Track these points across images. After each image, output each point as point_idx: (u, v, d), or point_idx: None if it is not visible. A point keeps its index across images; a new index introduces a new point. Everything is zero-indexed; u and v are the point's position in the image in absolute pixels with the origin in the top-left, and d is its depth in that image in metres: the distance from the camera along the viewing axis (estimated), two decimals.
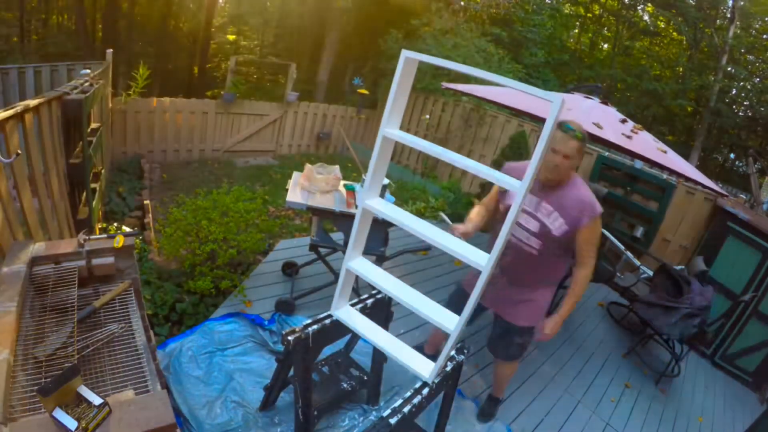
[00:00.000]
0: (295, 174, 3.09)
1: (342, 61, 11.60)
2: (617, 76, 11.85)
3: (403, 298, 1.39)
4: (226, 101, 6.37)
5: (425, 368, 1.43)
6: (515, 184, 1.12)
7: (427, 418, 2.24)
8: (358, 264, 1.50)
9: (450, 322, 1.30)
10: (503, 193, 2.06)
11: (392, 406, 1.47)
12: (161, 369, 2.08)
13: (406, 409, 1.48)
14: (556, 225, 1.88)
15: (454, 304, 2.09)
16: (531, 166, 1.08)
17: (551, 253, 1.96)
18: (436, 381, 1.51)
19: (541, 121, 3.86)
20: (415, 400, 1.53)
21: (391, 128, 1.29)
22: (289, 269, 3.31)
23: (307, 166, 3.05)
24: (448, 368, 1.61)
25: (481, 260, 1.21)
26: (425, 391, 1.54)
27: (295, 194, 2.81)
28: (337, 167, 3.13)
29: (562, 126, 1.77)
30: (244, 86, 6.64)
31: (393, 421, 1.43)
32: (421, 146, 1.27)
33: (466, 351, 1.81)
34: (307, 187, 2.90)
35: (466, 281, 2.31)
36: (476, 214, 2.11)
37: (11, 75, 4.38)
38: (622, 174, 5.08)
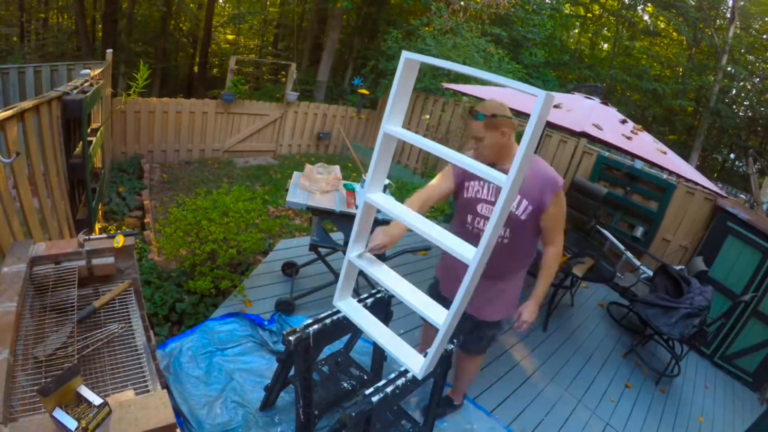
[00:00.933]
0: (296, 174, 3.09)
1: (342, 61, 11.62)
2: (617, 76, 11.85)
3: (399, 291, 1.40)
4: (226, 101, 6.38)
5: (417, 363, 1.45)
6: (501, 178, 1.12)
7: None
8: (359, 257, 1.51)
9: (440, 316, 1.31)
10: (461, 182, 1.89)
11: (376, 386, 1.50)
12: (161, 369, 2.08)
13: (389, 390, 1.51)
14: (521, 208, 1.78)
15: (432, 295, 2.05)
16: (515, 161, 1.07)
17: (521, 238, 1.86)
18: None
19: None
20: (399, 382, 1.56)
21: (392, 126, 1.30)
22: (289, 269, 3.31)
23: (307, 166, 3.05)
24: None
25: (468, 254, 1.20)
26: (410, 374, 1.57)
27: (295, 194, 2.81)
28: (337, 167, 3.14)
29: (468, 112, 1.73)
30: (244, 86, 6.64)
31: (375, 399, 1.45)
32: (419, 142, 1.28)
33: (456, 341, 1.83)
34: (307, 187, 2.90)
35: (437, 267, 2.25)
36: (414, 202, 1.85)
37: (11, 75, 4.38)
38: (622, 174, 5.09)
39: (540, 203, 1.74)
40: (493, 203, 1.80)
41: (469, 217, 1.90)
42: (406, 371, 1.58)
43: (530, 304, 1.88)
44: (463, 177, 1.88)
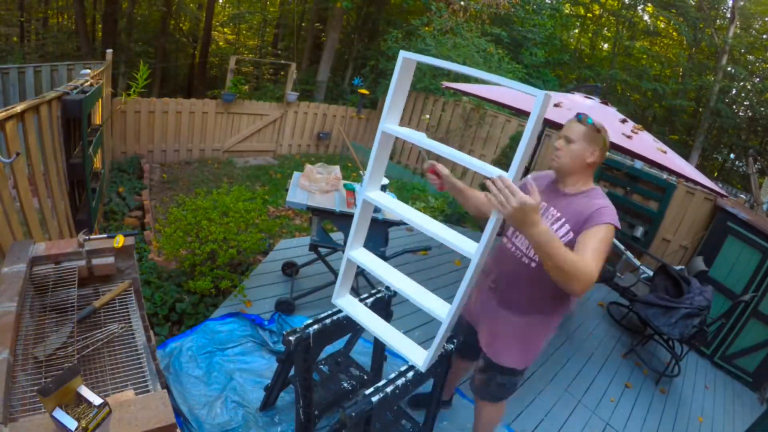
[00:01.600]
0: (296, 174, 3.09)
1: (342, 61, 11.62)
2: (617, 76, 11.85)
3: (399, 286, 1.41)
4: (226, 101, 6.38)
5: (419, 357, 1.45)
6: (493, 172, 1.12)
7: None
8: (358, 254, 1.51)
9: (442, 310, 1.32)
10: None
11: (376, 385, 1.50)
12: (161, 369, 2.08)
13: (389, 389, 1.50)
14: (561, 233, 1.58)
15: (459, 333, 1.93)
16: (516, 156, 1.06)
17: None
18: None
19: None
20: (399, 382, 1.55)
21: (390, 124, 1.31)
22: (289, 269, 3.31)
23: (307, 166, 3.05)
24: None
25: (470, 248, 1.20)
26: (410, 374, 1.56)
27: (295, 194, 2.81)
28: (337, 167, 3.14)
29: (577, 114, 1.60)
30: (243, 86, 6.64)
31: (375, 399, 1.45)
32: (417, 140, 1.28)
33: (455, 341, 1.83)
34: (307, 187, 2.90)
35: (465, 309, 1.97)
36: (473, 192, 1.81)
37: (11, 75, 4.38)
38: (622, 174, 5.09)
39: (581, 231, 1.53)
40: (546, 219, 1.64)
41: (510, 230, 1.75)
42: (406, 371, 1.58)
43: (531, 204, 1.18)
44: (522, 188, 1.67)
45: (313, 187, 2.89)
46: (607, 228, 1.48)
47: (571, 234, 1.55)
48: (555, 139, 1.58)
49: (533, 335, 1.74)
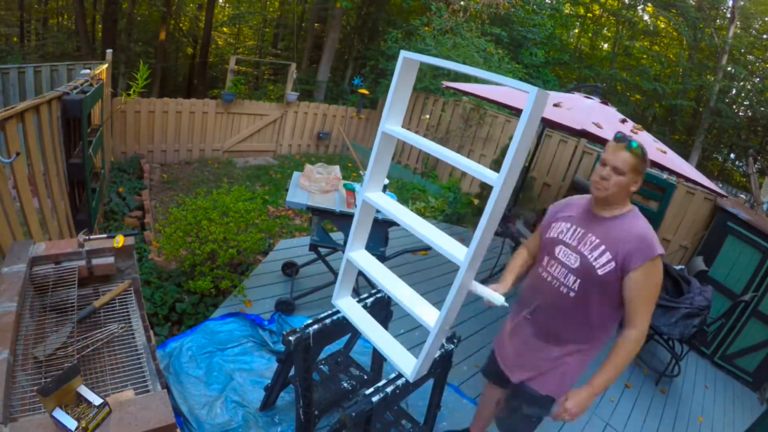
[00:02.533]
0: (296, 174, 3.09)
1: (342, 61, 11.62)
2: (617, 76, 11.85)
3: (393, 291, 1.39)
4: (226, 101, 6.38)
5: (408, 366, 1.44)
6: (492, 177, 1.09)
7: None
8: (358, 256, 1.50)
9: (431, 318, 1.30)
10: (546, 226, 1.71)
11: (376, 386, 1.50)
12: (161, 369, 2.08)
13: (389, 389, 1.51)
14: (602, 261, 1.49)
15: (489, 372, 1.95)
16: (508, 156, 1.02)
17: (592, 299, 1.54)
18: None
19: (540, 120, 3.86)
20: (399, 382, 1.56)
21: (391, 125, 1.30)
22: (289, 269, 3.31)
23: (307, 166, 3.05)
24: (437, 355, 1.61)
25: (460, 254, 1.17)
26: None
27: (295, 194, 2.81)
28: (337, 167, 3.14)
29: (618, 138, 1.49)
30: (243, 86, 6.64)
31: (375, 399, 1.45)
32: (417, 142, 1.27)
33: (456, 341, 1.82)
34: (307, 187, 2.90)
35: (496, 339, 1.93)
36: (518, 264, 1.78)
37: (11, 75, 4.38)
38: None
39: (625, 264, 1.45)
40: (574, 249, 1.57)
41: (546, 259, 1.65)
42: None
43: (582, 391, 1.50)
44: (554, 217, 1.69)
45: (313, 187, 2.89)
46: (654, 264, 1.44)
47: (613, 264, 1.47)
48: (598, 167, 1.53)
49: (572, 365, 1.64)
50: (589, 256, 1.52)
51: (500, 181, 1.05)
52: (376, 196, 1.40)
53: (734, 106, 12.81)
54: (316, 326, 1.74)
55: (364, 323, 1.55)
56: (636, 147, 1.46)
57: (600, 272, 1.49)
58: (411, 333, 2.96)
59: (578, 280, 1.54)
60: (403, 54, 1.22)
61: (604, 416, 2.83)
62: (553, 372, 1.65)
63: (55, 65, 4.81)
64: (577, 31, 14.35)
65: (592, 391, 1.48)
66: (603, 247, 1.50)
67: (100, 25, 11.45)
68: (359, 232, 1.48)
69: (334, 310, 1.87)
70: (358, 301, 1.85)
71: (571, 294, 1.55)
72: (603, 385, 1.48)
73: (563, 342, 1.63)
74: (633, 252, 1.44)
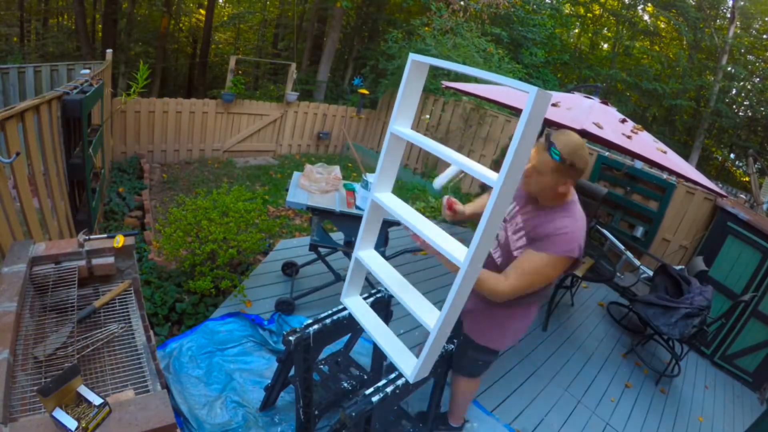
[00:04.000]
0: (296, 174, 3.09)
1: (342, 61, 11.63)
2: (617, 76, 11.85)
3: (398, 292, 1.39)
4: (226, 101, 6.37)
5: (409, 367, 1.44)
6: (492, 178, 1.08)
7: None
8: (366, 255, 1.51)
9: (431, 319, 1.30)
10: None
11: (376, 386, 1.50)
12: (161, 369, 2.08)
13: (389, 389, 1.51)
14: (518, 244, 1.59)
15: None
16: (508, 156, 1.01)
17: None
18: None
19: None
20: (399, 382, 1.56)
21: (399, 126, 1.30)
22: (289, 269, 3.31)
23: (307, 166, 3.05)
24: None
25: (460, 255, 1.16)
26: None
27: (295, 194, 2.81)
28: (337, 167, 3.14)
29: (547, 140, 1.50)
30: (243, 86, 6.64)
31: (375, 399, 1.45)
32: (426, 145, 1.27)
33: (455, 341, 1.82)
34: (307, 187, 2.90)
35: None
36: (483, 204, 1.84)
37: (11, 75, 4.38)
38: (622, 174, 5.09)
39: (529, 242, 1.55)
40: (504, 225, 1.67)
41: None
42: None
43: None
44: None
45: (312, 187, 2.89)
46: (550, 259, 1.49)
47: (525, 241, 1.57)
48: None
49: (506, 319, 1.80)
50: (511, 237, 1.64)
51: (500, 182, 1.04)
52: (385, 197, 1.40)
53: (734, 106, 12.81)
54: (316, 326, 1.74)
55: (368, 322, 1.55)
56: (555, 152, 1.46)
57: (515, 253, 1.60)
58: (411, 333, 2.97)
59: (499, 250, 1.71)
60: (412, 56, 1.22)
61: (604, 416, 2.83)
62: (493, 326, 1.82)
63: (55, 65, 4.81)
64: (577, 31, 14.36)
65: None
66: (522, 231, 1.59)
67: (100, 25, 11.46)
68: (368, 231, 1.49)
69: (334, 310, 1.88)
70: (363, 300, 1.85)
71: (498, 261, 1.71)
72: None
73: (496, 303, 1.68)
74: (540, 239, 1.52)
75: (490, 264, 1.73)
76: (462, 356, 1.95)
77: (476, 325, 1.87)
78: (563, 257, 1.49)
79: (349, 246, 2.82)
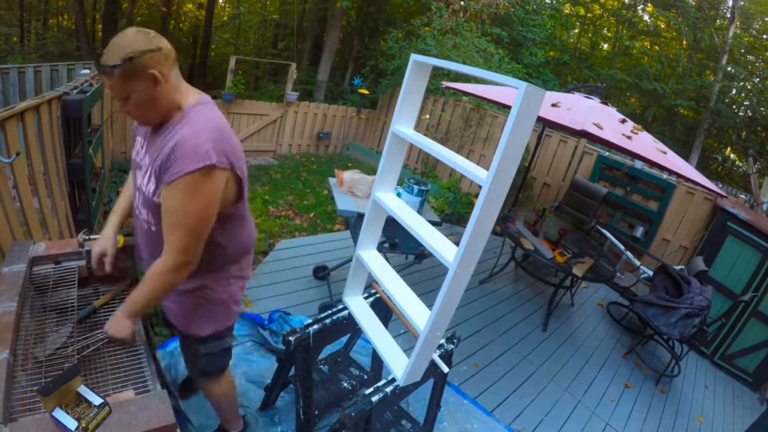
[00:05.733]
0: (331, 180, 3.12)
1: (342, 61, 11.62)
2: (617, 76, 11.85)
3: (393, 292, 1.40)
4: (226, 101, 6.37)
5: (401, 369, 1.43)
6: (481, 176, 1.08)
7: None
8: (366, 254, 1.51)
9: (421, 321, 1.30)
10: (133, 137, 1.42)
11: (376, 385, 1.50)
12: (161, 369, 2.08)
13: (389, 389, 1.50)
14: (151, 188, 1.22)
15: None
16: (496, 155, 0.99)
17: None
18: None
19: (540, 120, 3.86)
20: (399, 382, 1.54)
21: (401, 127, 1.31)
22: (322, 272, 3.34)
23: (342, 173, 3.06)
24: (436, 356, 1.61)
25: (450, 255, 1.14)
26: None
27: (344, 201, 2.83)
28: (372, 177, 3.15)
29: (100, 72, 1.13)
30: (243, 86, 6.64)
31: (375, 399, 1.45)
32: (426, 147, 1.28)
33: (456, 341, 1.82)
34: (352, 193, 2.94)
35: None
36: (125, 197, 1.49)
37: (11, 75, 4.38)
38: (622, 174, 5.09)
39: (159, 180, 1.18)
40: (143, 169, 1.27)
41: (137, 199, 1.33)
42: None
43: (115, 314, 1.23)
44: (135, 131, 1.38)
45: (358, 192, 2.92)
46: (184, 186, 1.11)
47: (153, 184, 1.22)
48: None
49: (210, 299, 1.41)
50: (144, 186, 1.25)
51: (488, 181, 1.03)
52: (386, 197, 1.40)
53: (734, 106, 12.81)
54: (316, 326, 1.74)
55: (367, 323, 1.56)
56: (105, 67, 1.10)
57: (155, 200, 1.21)
58: (410, 333, 2.96)
59: (149, 213, 1.28)
60: (414, 57, 1.22)
61: (604, 416, 2.83)
62: (186, 309, 1.42)
63: (55, 65, 4.81)
64: (577, 31, 14.35)
65: (123, 312, 1.22)
66: (150, 170, 1.21)
67: (100, 25, 11.46)
68: (370, 231, 1.50)
69: (334, 309, 1.88)
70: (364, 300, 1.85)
71: (153, 228, 1.28)
72: (133, 306, 1.23)
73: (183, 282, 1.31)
74: (163, 167, 1.14)
75: (149, 236, 1.33)
76: (194, 358, 1.55)
77: (183, 317, 1.44)
78: (197, 173, 1.11)
79: (394, 248, 2.84)
